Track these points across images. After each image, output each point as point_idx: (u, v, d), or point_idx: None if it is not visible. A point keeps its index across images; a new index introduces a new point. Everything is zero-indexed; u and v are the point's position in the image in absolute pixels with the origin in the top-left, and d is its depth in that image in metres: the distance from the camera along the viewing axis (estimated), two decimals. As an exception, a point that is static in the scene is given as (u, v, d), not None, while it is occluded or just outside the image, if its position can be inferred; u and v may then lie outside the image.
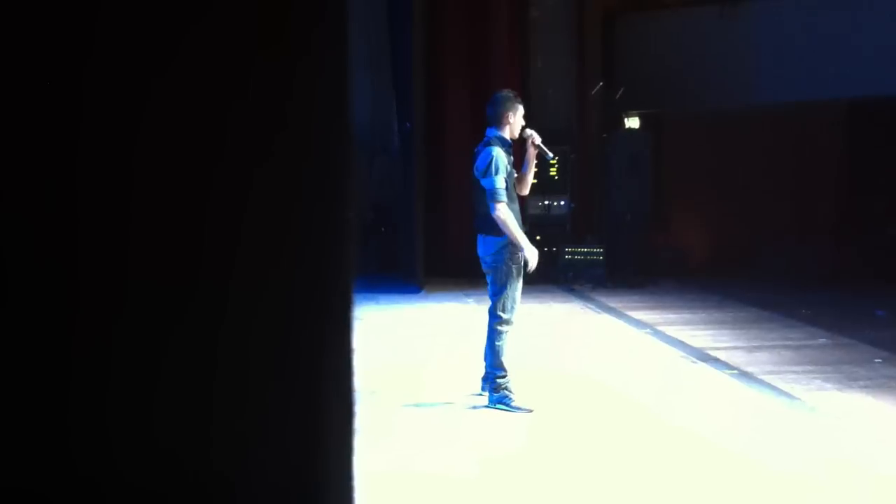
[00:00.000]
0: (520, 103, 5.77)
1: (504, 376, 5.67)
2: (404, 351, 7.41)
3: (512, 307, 5.68)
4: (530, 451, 5.02)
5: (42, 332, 1.09)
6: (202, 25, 1.10)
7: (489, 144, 5.65)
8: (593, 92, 11.68)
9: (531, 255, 5.62)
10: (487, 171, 5.57)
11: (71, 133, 1.08)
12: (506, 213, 5.55)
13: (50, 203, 1.07)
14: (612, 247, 10.87)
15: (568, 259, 10.74)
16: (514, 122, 5.71)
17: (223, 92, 1.11)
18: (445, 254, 10.87)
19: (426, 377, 6.46)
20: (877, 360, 6.89)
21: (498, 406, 5.66)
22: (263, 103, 1.14)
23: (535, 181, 10.78)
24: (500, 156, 5.59)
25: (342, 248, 1.21)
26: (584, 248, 10.84)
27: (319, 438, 1.23)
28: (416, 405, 5.84)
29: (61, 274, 1.09)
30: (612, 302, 9.61)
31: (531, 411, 5.61)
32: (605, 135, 11.66)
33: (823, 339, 7.72)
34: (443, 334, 7.97)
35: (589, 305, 9.49)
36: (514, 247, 5.63)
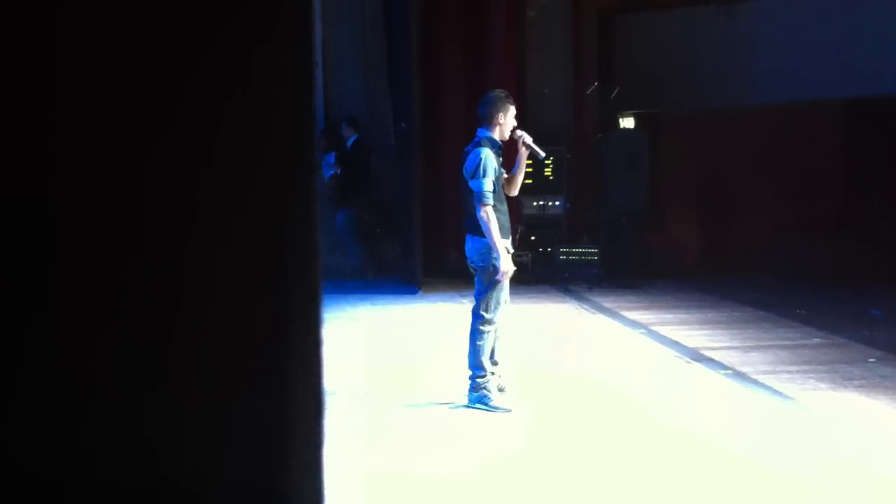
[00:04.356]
0: (511, 104, 5.73)
1: (484, 376, 5.67)
2: (404, 351, 7.41)
3: (496, 307, 5.66)
4: (530, 451, 5.02)
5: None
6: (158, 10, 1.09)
7: (479, 145, 5.63)
8: (588, 92, 11.66)
9: (504, 264, 5.58)
10: (476, 172, 5.54)
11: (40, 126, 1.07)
12: (488, 217, 5.52)
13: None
14: (608, 247, 10.85)
15: (563, 259, 10.69)
16: (505, 122, 5.68)
17: (175, 79, 1.09)
18: (442, 254, 10.84)
19: (426, 378, 6.45)
20: (871, 360, 6.88)
21: (477, 406, 5.66)
22: (225, 93, 1.12)
23: (530, 181, 10.86)
24: (488, 157, 5.56)
25: (306, 243, 1.20)
26: (579, 248, 10.79)
27: (287, 435, 1.22)
28: (416, 406, 5.85)
29: (21, 274, 1.08)
30: (608, 302, 9.58)
31: (509, 411, 5.62)
32: (600, 135, 11.63)
33: (818, 339, 7.71)
34: (441, 335, 7.95)
35: (584, 305, 9.46)
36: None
